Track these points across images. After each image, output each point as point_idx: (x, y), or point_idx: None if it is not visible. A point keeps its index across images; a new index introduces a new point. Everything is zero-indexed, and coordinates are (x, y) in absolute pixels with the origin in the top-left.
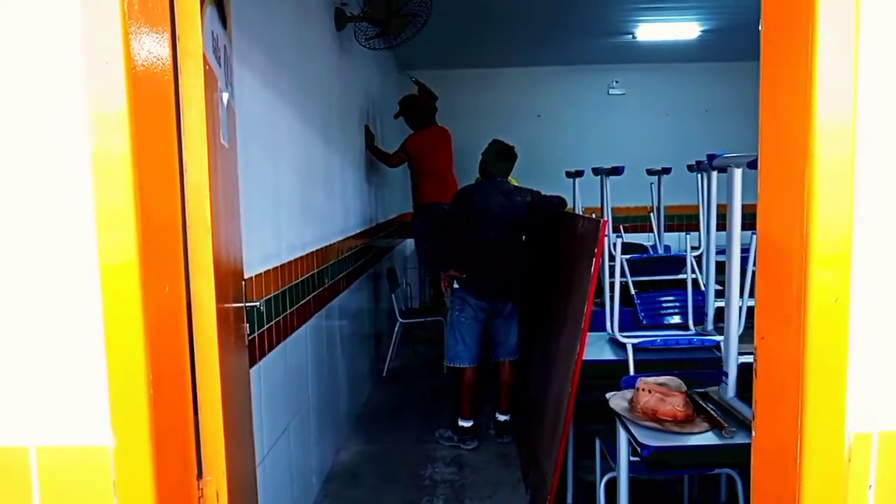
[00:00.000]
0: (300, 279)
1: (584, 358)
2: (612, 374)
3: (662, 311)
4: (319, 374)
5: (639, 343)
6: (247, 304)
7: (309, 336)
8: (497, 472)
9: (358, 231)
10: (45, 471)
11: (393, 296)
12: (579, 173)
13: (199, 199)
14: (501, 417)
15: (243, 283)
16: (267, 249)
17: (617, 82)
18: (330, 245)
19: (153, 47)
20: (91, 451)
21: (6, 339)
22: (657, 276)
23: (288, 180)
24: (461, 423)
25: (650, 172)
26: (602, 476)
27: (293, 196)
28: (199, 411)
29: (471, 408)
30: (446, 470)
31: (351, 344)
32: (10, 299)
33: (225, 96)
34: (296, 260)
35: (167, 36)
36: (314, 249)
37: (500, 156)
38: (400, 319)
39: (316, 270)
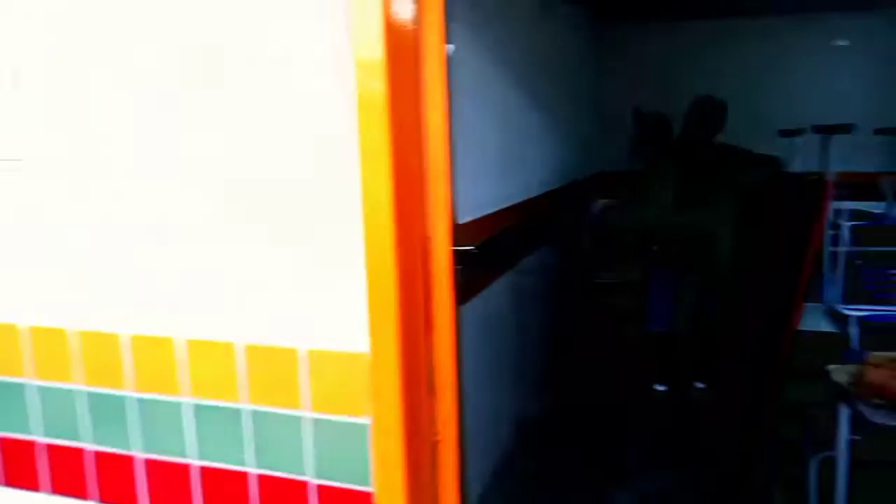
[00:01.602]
0: (499, 231)
1: (798, 328)
2: (826, 347)
3: (889, 285)
4: (511, 328)
5: (866, 316)
6: (463, 248)
7: (504, 289)
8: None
9: (556, 187)
10: (313, 368)
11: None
12: (798, 132)
13: (438, 145)
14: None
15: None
16: (473, 199)
17: (840, 33)
18: (531, 198)
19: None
20: (351, 356)
21: (288, 260)
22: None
23: (491, 131)
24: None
25: (880, 132)
26: (811, 455)
27: (495, 147)
28: (433, 338)
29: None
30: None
31: (543, 301)
32: (288, 227)
33: (450, 48)
34: (499, 211)
35: None
36: (515, 202)
37: (706, 114)
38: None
39: (516, 224)
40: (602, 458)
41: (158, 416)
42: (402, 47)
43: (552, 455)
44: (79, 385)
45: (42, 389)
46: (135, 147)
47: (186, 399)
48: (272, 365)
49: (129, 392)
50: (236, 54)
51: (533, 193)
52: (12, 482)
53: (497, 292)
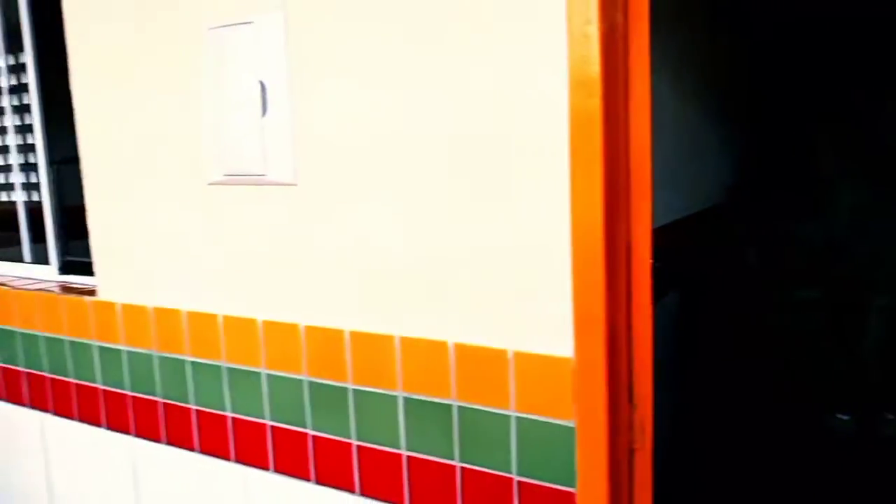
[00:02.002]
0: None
1: None
2: None
3: None
4: (673, 344)
5: None
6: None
7: (672, 304)
8: None
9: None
10: (519, 369)
11: None
12: None
13: (642, 156)
14: None
15: None
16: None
17: None
18: (699, 211)
19: (615, 15)
20: (555, 360)
21: (498, 271)
22: None
23: (662, 142)
24: None
25: None
26: None
27: (666, 157)
28: (631, 344)
29: None
30: None
31: (706, 317)
32: (494, 234)
33: None
34: (669, 224)
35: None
36: (685, 215)
37: None
38: None
39: (684, 236)
40: None
41: (373, 407)
42: (612, 59)
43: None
44: (304, 375)
45: (272, 378)
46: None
47: (399, 393)
48: (481, 364)
49: (348, 384)
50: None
51: (699, 207)
52: (241, 458)
53: (667, 306)
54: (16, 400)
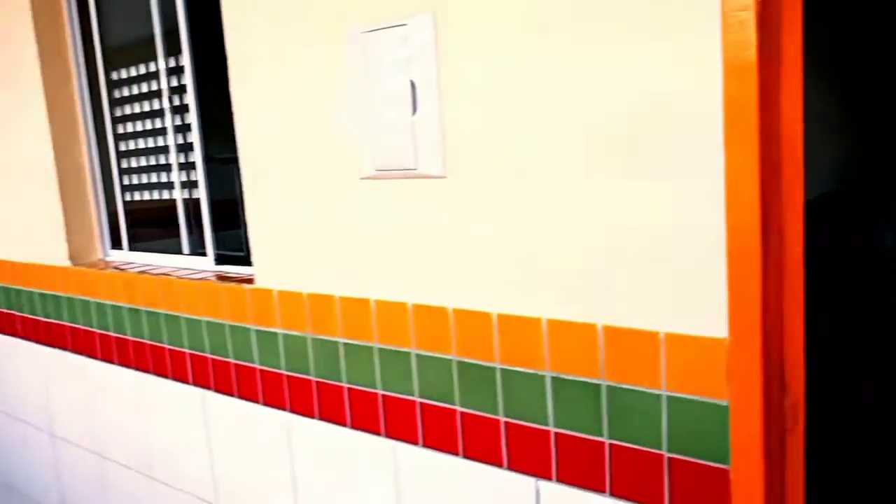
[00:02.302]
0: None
1: None
2: None
3: None
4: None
5: None
6: None
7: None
8: None
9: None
10: (670, 350)
11: None
12: None
13: (794, 140)
14: None
15: None
16: None
17: None
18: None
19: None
20: (708, 341)
21: (651, 250)
22: None
23: None
24: None
25: None
26: None
27: None
28: (783, 327)
29: None
30: None
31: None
32: (652, 218)
33: None
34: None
35: None
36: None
37: None
38: None
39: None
40: None
41: (520, 385)
42: (767, 47)
43: None
44: (452, 356)
45: (421, 357)
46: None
47: (547, 372)
48: (632, 346)
49: (496, 364)
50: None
51: (829, 188)
52: (391, 433)
53: None
54: (181, 378)
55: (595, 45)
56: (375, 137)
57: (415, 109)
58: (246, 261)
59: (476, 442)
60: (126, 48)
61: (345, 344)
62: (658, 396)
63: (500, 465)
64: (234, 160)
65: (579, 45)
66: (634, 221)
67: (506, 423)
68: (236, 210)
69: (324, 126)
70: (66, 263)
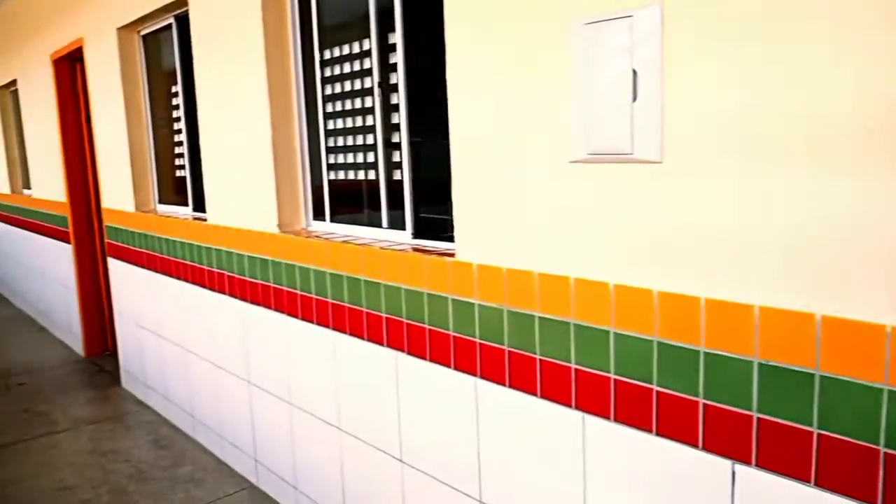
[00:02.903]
0: None
1: None
2: None
3: None
4: None
5: None
6: None
7: None
8: None
9: None
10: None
11: None
12: None
13: None
14: None
15: None
16: None
17: None
18: None
19: None
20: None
21: (872, 242)
22: None
23: None
24: None
25: None
26: None
27: None
28: None
29: None
30: None
31: None
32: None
33: None
34: None
35: None
36: None
37: None
38: None
39: None
40: None
41: (725, 369)
42: None
43: None
44: (655, 336)
45: (620, 336)
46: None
47: (754, 359)
48: (851, 338)
49: (700, 347)
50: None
51: None
52: (581, 406)
53: None
54: (376, 339)
55: (827, 42)
56: (591, 123)
57: (635, 97)
58: (443, 236)
59: (672, 421)
60: (339, 27)
61: (541, 318)
62: (879, 391)
63: (694, 446)
64: (434, 142)
65: (811, 43)
66: (860, 215)
67: (704, 404)
68: (431, 188)
69: (535, 111)
70: (275, 231)
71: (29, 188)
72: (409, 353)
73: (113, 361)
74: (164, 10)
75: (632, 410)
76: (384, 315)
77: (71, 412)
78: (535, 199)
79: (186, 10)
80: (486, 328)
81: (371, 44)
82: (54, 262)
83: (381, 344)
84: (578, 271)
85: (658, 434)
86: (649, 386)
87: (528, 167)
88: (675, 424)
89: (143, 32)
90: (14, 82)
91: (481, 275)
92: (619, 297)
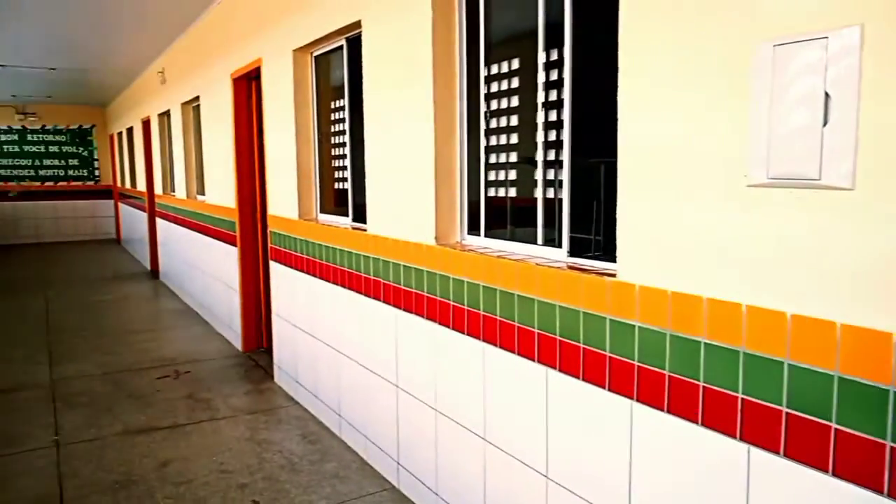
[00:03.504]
0: None
1: None
2: None
3: None
4: None
5: None
6: None
7: None
8: None
9: None
10: None
11: None
12: None
13: None
14: None
15: None
16: None
17: None
18: None
19: None
20: None
21: None
22: None
23: None
24: None
25: None
26: None
27: None
28: None
29: None
30: None
31: None
32: None
33: None
34: None
35: None
36: None
37: None
38: None
39: None
40: None
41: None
42: None
43: None
44: (835, 371)
45: (794, 368)
46: None
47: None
48: None
49: (890, 386)
50: None
51: None
52: (748, 438)
53: None
54: (527, 354)
55: None
56: (773, 147)
57: (826, 121)
58: (601, 255)
59: (852, 462)
60: (505, 42)
61: (707, 344)
62: None
63: (879, 492)
64: (598, 162)
65: None
66: None
67: (892, 448)
68: (587, 208)
69: (711, 132)
70: (431, 243)
71: (203, 194)
72: (561, 371)
73: (267, 357)
74: (338, 32)
75: (805, 447)
76: (536, 331)
77: (230, 402)
78: (707, 222)
79: (358, 33)
80: (646, 351)
81: (537, 59)
82: (220, 262)
83: (531, 359)
84: (752, 299)
85: (835, 475)
86: (826, 423)
87: (700, 190)
88: (856, 466)
89: (315, 54)
90: (196, 98)
91: (643, 296)
92: (797, 328)
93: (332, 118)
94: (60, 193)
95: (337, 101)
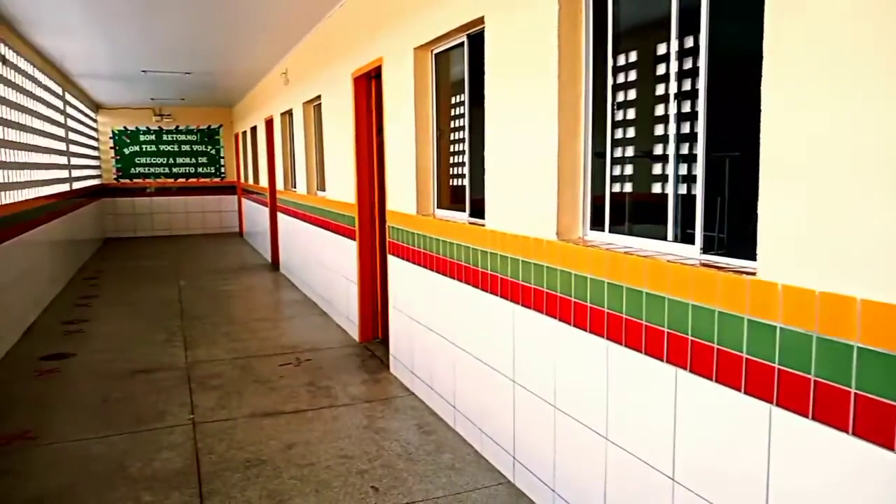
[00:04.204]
0: None
1: None
2: None
3: None
4: None
5: None
6: None
7: None
8: None
9: None
10: None
11: None
12: None
13: None
14: None
15: None
16: None
17: None
18: None
19: None
20: None
21: None
22: None
23: None
24: None
25: None
26: None
27: None
28: None
29: None
30: None
31: None
32: None
33: None
34: None
35: None
36: None
37: None
38: None
39: None
40: None
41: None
42: None
43: None
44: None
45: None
46: None
47: None
48: None
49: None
50: None
51: None
52: (784, 403)
53: None
54: (654, 354)
55: None
56: None
57: None
58: (736, 252)
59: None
60: (634, 30)
61: (860, 348)
62: None
63: None
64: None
65: None
66: None
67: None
68: (711, 204)
69: (870, 125)
70: (553, 238)
71: (323, 190)
72: (692, 372)
73: (382, 348)
74: (459, 29)
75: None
76: (666, 330)
77: (348, 390)
78: (866, 218)
79: (480, 29)
80: (788, 354)
81: (670, 48)
82: (339, 255)
83: (659, 359)
84: None
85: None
86: None
87: (859, 183)
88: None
89: (435, 51)
90: (318, 97)
91: (787, 296)
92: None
93: (451, 114)
94: (190, 189)
95: (455, 98)
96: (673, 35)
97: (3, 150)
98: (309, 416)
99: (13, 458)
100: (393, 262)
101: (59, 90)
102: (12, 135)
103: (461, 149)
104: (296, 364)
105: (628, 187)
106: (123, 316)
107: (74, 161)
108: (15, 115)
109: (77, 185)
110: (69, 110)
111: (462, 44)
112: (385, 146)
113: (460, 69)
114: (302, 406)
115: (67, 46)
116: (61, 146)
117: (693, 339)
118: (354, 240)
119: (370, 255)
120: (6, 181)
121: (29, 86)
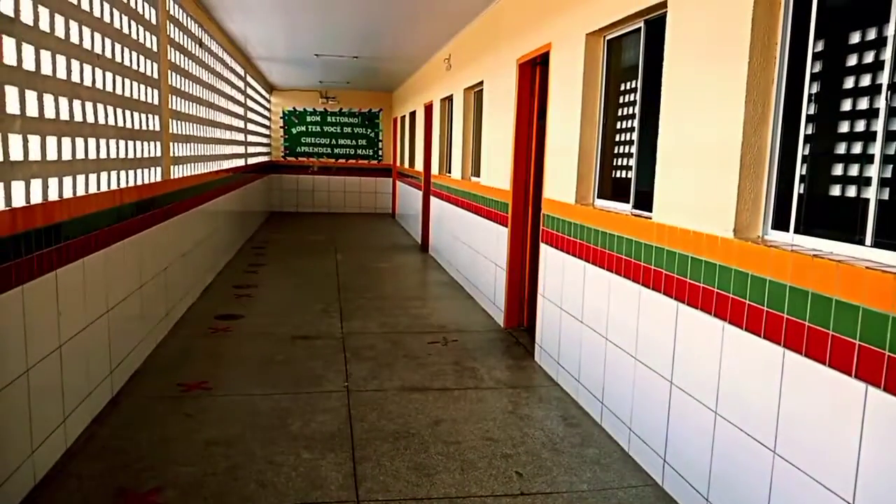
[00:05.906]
0: None
1: None
2: None
3: None
4: None
5: None
6: None
7: None
8: None
9: None
10: None
11: None
12: None
13: None
14: None
15: None
16: None
17: None
18: None
19: None
20: None
21: None
22: None
23: None
24: None
25: None
26: None
27: None
28: None
29: None
30: None
31: None
32: None
33: None
34: None
35: None
36: None
37: None
38: None
39: None
40: None
41: None
42: None
43: None
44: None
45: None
46: None
47: None
48: None
49: None
50: None
51: None
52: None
53: None
54: (842, 368)
55: None
56: None
57: None
58: None
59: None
60: (843, 10)
61: None
62: None
63: None
64: None
65: None
66: None
67: None
68: None
69: None
70: (729, 236)
71: (477, 176)
72: (886, 391)
73: (526, 336)
74: (637, 15)
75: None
76: (857, 342)
77: (493, 374)
78: None
79: (659, 14)
80: None
81: (888, 29)
82: (489, 241)
83: (847, 373)
84: None
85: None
86: None
87: None
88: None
89: (608, 37)
90: (479, 84)
91: None
92: None
93: (619, 102)
94: (350, 170)
95: (625, 85)
96: (893, 11)
97: (197, 125)
98: (455, 395)
99: (193, 404)
100: (545, 250)
101: (241, 72)
102: (203, 112)
103: (629, 138)
104: (443, 343)
105: (818, 186)
106: (286, 284)
107: (251, 139)
108: (206, 95)
109: (251, 161)
110: (249, 91)
111: (637, 30)
112: (547, 134)
113: (631, 55)
114: (448, 384)
115: (252, 31)
116: (241, 124)
117: (890, 354)
118: (506, 226)
119: (520, 243)
120: (198, 153)
121: (219, 68)
